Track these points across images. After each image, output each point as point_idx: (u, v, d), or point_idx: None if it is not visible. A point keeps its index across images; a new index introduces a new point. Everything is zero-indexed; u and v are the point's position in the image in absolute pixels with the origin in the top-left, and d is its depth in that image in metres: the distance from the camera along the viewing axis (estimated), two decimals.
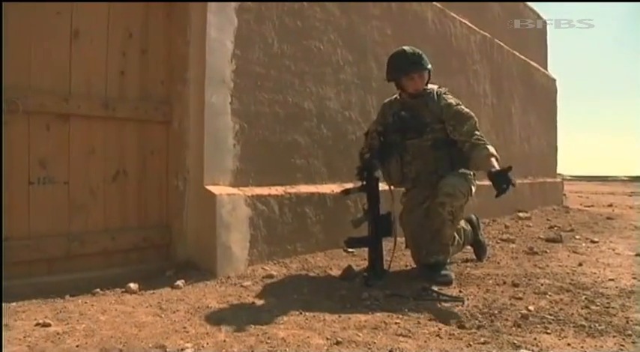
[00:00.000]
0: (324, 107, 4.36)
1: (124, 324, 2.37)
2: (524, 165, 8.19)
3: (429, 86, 3.60)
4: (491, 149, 3.30)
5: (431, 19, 5.82)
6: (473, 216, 4.06)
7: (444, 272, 3.38)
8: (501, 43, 7.59)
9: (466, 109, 3.52)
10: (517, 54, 8.16)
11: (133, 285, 2.93)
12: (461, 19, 6.48)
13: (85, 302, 2.67)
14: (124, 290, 2.91)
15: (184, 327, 2.36)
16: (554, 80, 9.98)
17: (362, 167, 3.50)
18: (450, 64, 6.09)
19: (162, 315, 2.53)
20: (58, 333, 2.21)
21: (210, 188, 3.39)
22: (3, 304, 2.50)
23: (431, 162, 3.54)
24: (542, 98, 9.26)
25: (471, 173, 3.51)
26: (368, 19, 4.83)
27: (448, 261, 3.56)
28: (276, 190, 3.87)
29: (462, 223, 3.88)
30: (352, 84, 4.66)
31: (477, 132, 3.39)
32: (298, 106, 4.11)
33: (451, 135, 3.47)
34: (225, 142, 3.53)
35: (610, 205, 10.63)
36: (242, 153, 3.64)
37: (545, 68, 9.84)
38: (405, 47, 3.59)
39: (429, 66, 3.55)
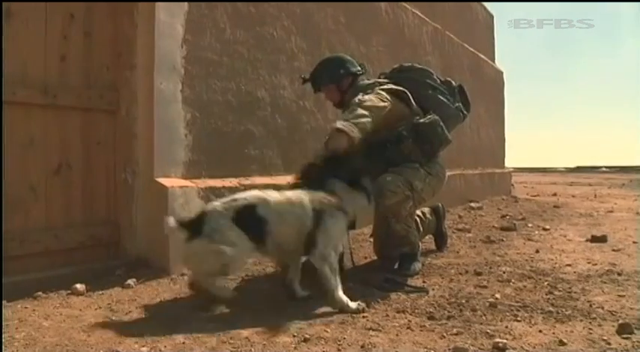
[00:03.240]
0: (279, 96, 4.22)
1: (70, 330, 2.17)
2: (475, 156, 8.29)
3: (359, 84, 3.44)
4: (338, 124, 3.01)
5: (384, 9, 5.76)
6: (440, 206, 4.00)
7: (410, 264, 3.30)
8: (452, 35, 7.62)
9: (356, 100, 3.16)
10: (467, 46, 8.23)
11: (79, 286, 2.72)
12: (413, 10, 6.46)
13: (26, 307, 2.45)
14: (69, 292, 2.70)
15: (138, 330, 2.18)
16: (502, 73, 10.15)
17: None
18: (402, 54, 6.03)
19: (114, 318, 2.35)
20: None
21: (161, 180, 3.20)
22: None
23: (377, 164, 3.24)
24: (490, 90, 9.39)
25: (416, 165, 3.29)
26: (322, 6, 4.71)
27: (418, 251, 3.43)
28: (230, 182, 3.70)
29: (427, 213, 3.82)
30: (307, 72, 4.51)
31: (347, 113, 3.10)
32: (252, 95, 3.96)
33: None
34: (176, 132, 3.34)
35: (554, 194, 10.92)
36: (194, 144, 3.46)
37: (493, 61, 9.99)
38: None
39: (329, 78, 3.44)
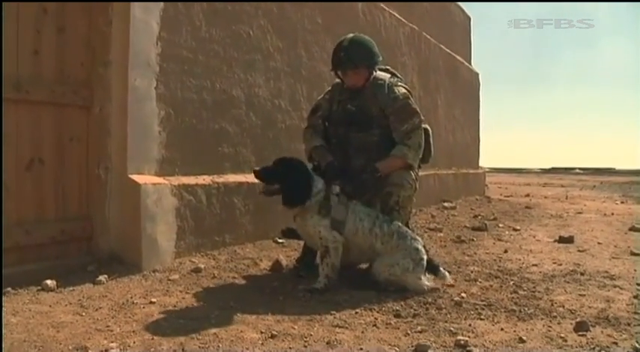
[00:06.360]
0: (254, 95, 4.24)
1: (39, 326, 2.18)
2: (449, 157, 8.40)
3: (381, 75, 3.37)
4: (403, 151, 3.18)
5: (361, 10, 5.80)
6: None
7: None
8: (429, 37, 7.71)
9: (413, 105, 3.29)
10: (443, 48, 8.33)
11: (50, 282, 2.72)
12: (390, 11, 6.51)
13: None
14: (39, 288, 2.70)
15: (108, 326, 2.21)
16: (478, 74, 10.28)
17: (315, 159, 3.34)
18: None
19: (84, 314, 2.36)
20: None
21: (134, 177, 3.21)
22: None
23: (375, 158, 3.21)
24: (466, 91, 9.52)
25: (416, 165, 3.34)
26: (299, 6, 4.73)
27: None
28: (204, 180, 3.72)
29: None
30: (282, 72, 4.56)
31: (412, 135, 3.21)
32: (227, 93, 3.97)
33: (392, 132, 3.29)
34: (150, 129, 3.34)
35: (527, 195, 11.12)
36: (168, 141, 3.47)
37: (469, 62, 10.12)
38: (348, 37, 3.28)
39: (368, 61, 3.25)
